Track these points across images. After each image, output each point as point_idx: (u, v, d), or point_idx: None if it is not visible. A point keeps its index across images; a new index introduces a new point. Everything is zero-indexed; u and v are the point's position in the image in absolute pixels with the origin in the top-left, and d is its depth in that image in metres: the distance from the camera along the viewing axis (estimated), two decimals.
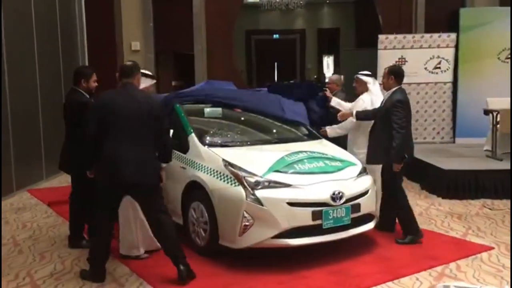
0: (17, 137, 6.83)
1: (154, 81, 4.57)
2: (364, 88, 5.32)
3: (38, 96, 7.59)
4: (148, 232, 4.25)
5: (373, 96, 5.20)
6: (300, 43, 21.43)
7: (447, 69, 8.95)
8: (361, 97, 5.31)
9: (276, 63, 21.58)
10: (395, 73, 4.78)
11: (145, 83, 4.43)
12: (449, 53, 8.93)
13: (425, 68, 8.95)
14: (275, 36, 21.53)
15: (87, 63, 9.54)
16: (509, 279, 3.76)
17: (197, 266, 4.07)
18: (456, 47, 8.91)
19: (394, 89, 4.74)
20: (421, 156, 7.45)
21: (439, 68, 8.95)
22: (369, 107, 5.11)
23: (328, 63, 21.25)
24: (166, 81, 10.36)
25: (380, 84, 5.31)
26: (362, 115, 5.06)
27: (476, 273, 3.94)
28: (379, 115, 4.80)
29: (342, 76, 6.85)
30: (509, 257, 4.23)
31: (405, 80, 8.56)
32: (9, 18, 6.75)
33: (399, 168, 4.56)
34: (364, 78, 5.31)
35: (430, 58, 8.93)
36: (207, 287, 3.73)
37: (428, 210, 5.87)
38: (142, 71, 4.45)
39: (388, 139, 4.55)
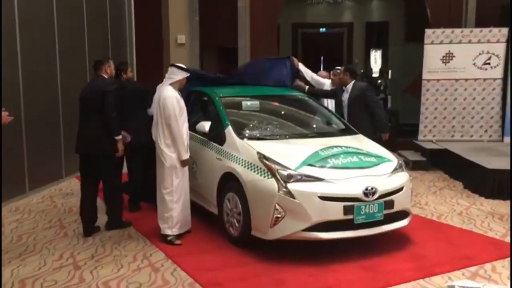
0: (67, 126, 7.16)
1: (188, 74, 4.65)
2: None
3: None
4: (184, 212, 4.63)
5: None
6: (347, 37, 21.12)
7: (497, 65, 8.60)
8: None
9: (322, 57, 21.39)
10: (350, 70, 5.90)
11: (179, 76, 4.58)
12: (500, 48, 8.59)
13: (474, 64, 8.64)
14: (322, 29, 21.34)
15: (134, 56, 9.86)
16: None
17: (229, 255, 4.22)
18: (508, 42, 8.56)
19: (353, 81, 5.81)
20: (465, 154, 7.27)
21: (489, 64, 8.62)
22: None
23: (376, 57, 20.86)
24: None
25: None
26: (311, 91, 6.13)
27: None
28: (349, 104, 5.76)
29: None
30: None
31: (453, 75, 8.62)
32: (61, 12, 7.07)
33: (387, 137, 5.57)
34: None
35: (479, 54, 8.61)
36: (238, 275, 3.84)
37: (469, 209, 5.73)
38: (177, 64, 4.67)
39: (365, 120, 5.53)
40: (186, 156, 4.52)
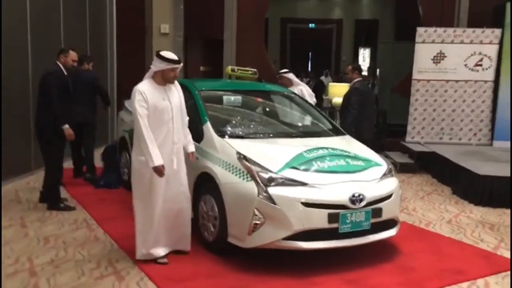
0: None
1: (172, 65, 3.82)
2: (289, 82, 6.49)
3: None
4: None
5: (301, 87, 6.55)
6: (336, 34, 20.86)
7: (489, 67, 8.38)
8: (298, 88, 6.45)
9: (310, 53, 21.11)
10: (357, 69, 6.34)
11: (155, 67, 3.85)
12: (492, 50, 8.36)
13: (465, 65, 8.39)
14: (311, 25, 21.03)
15: (115, 45, 9.45)
16: None
17: (203, 263, 3.88)
18: (501, 44, 8.33)
19: (355, 80, 6.18)
20: (454, 158, 7.03)
21: (481, 65, 8.39)
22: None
23: (364, 55, 20.65)
24: (194, 66, 10.15)
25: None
26: None
27: None
28: (344, 99, 6.22)
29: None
30: None
31: (443, 76, 8.36)
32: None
33: None
34: (289, 76, 6.58)
35: (471, 54, 8.37)
36: (211, 286, 3.50)
37: (458, 217, 5.48)
38: (160, 52, 3.91)
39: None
40: (154, 162, 3.67)
